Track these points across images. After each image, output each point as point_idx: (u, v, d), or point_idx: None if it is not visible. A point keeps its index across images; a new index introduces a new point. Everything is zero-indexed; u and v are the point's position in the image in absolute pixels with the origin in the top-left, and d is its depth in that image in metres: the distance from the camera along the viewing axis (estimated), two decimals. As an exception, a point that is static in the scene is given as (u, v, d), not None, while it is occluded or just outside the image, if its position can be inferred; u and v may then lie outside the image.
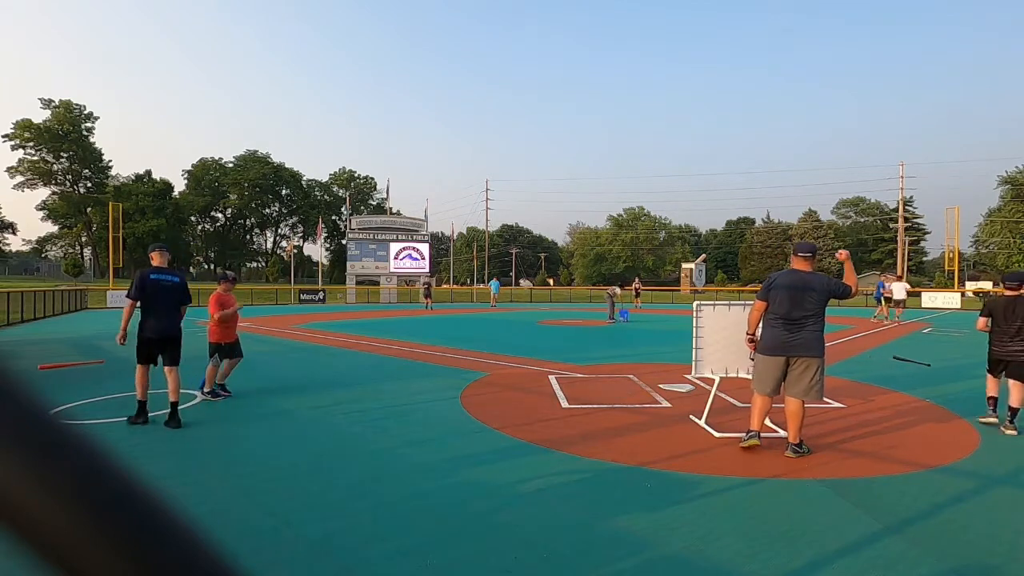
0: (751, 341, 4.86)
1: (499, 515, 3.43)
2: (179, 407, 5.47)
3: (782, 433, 5.07)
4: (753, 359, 4.96)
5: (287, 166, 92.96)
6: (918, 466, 4.32)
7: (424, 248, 38.18)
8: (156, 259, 5.56)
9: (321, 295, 33.46)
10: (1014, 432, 5.24)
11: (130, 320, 5.46)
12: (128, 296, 5.38)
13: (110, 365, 8.95)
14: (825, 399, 6.58)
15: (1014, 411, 5.38)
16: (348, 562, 2.85)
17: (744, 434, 4.65)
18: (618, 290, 20.00)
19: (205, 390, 6.54)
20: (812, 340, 4.46)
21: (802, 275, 4.59)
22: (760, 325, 4.78)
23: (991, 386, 5.67)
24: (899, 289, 20.10)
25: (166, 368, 5.47)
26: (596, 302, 35.01)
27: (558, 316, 22.86)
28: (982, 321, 5.83)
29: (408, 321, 19.78)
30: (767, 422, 5.09)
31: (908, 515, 3.43)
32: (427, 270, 38.05)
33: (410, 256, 37.63)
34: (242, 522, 3.30)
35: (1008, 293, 5.61)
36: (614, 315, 19.28)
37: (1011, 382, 5.47)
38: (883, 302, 20.82)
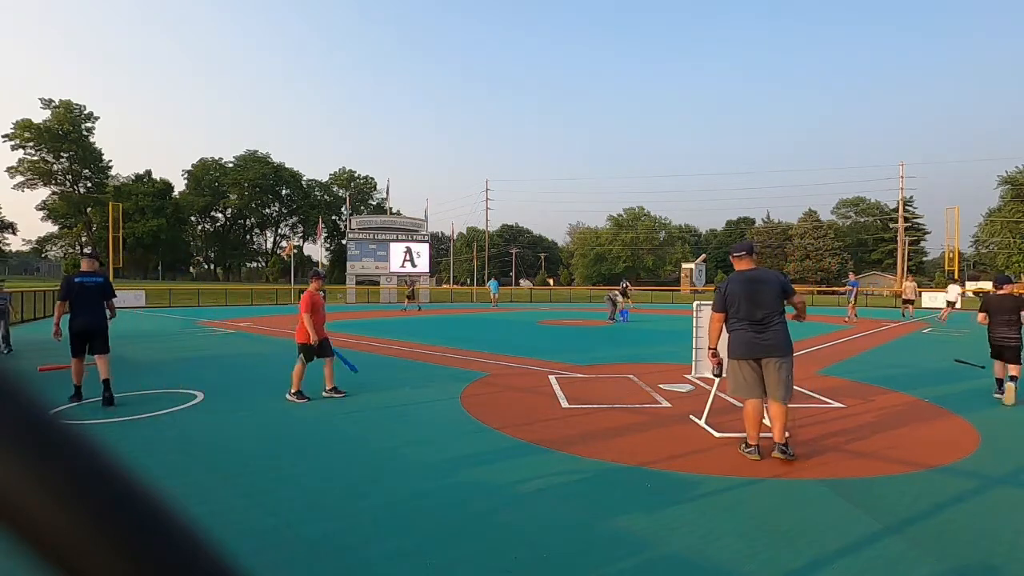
0: (714, 355, 4.78)
1: (499, 515, 3.43)
2: (113, 390, 6.21)
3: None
4: (717, 375, 4.90)
5: (287, 166, 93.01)
6: (918, 466, 4.32)
7: (424, 248, 38.15)
8: (84, 265, 6.44)
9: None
10: (1013, 385, 6.48)
11: (61, 318, 6.27)
12: (59, 299, 6.23)
13: (111, 367, 8.95)
14: (825, 399, 6.59)
15: (1013, 378, 6.56)
16: (348, 562, 2.85)
17: (742, 444, 4.60)
18: (620, 297, 19.81)
19: (292, 391, 6.50)
20: (780, 339, 4.41)
21: (750, 273, 4.58)
22: (720, 336, 4.72)
23: (997, 369, 6.77)
24: (953, 291, 19.82)
25: (97, 357, 6.23)
26: (596, 302, 35.00)
27: (558, 316, 22.85)
28: (981, 315, 6.99)
29: (408, 321, 19.78)
30: (764, 420, 5.08)
31: (908, 515, 3.43)
32: (427, 270, 38.03)
33: (410, 256, 37.59)
34: (242, 522, 3.30)
35: (999, 292, 6.96)
36: (614, 315, 19.26)
37: (1009, 365, 6.61)
38: (855, 300, 20.36)
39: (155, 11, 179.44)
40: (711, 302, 5.65)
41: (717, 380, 5.48)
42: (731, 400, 6.42)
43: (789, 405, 4.48)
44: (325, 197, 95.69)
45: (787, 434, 4.46)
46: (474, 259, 60.09)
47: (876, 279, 65.88)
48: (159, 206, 79.46)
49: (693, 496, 3.73)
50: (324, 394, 6.56)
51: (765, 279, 4.53)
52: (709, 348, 4.82)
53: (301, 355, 6.58)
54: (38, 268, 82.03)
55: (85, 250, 7.50)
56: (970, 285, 42.28)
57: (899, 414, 5.97)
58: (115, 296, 6.53)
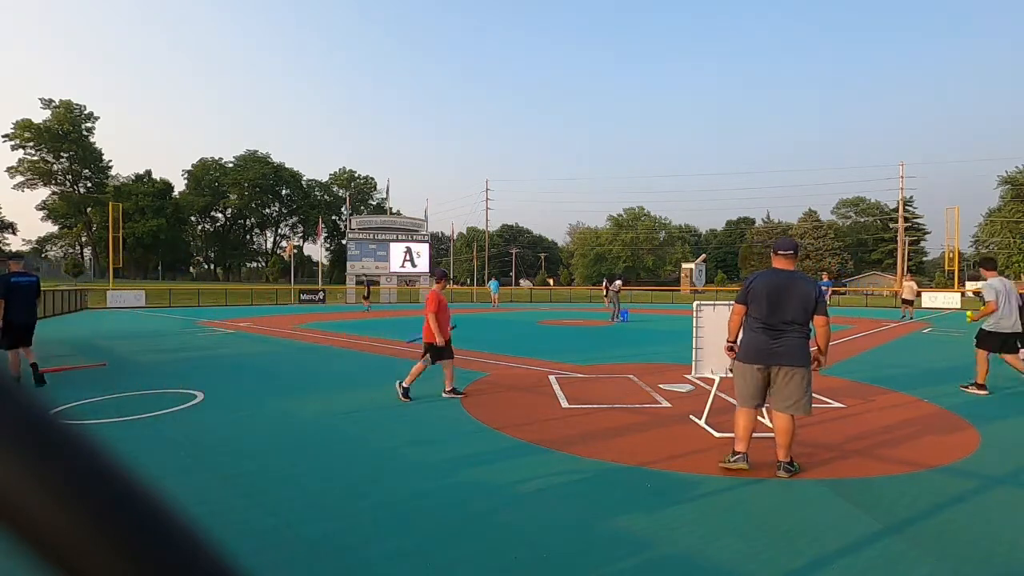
0: (731, 349, 4.48)
1: (499, 515, 3.42)
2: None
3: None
4: (732, 370, 4.62)
5: (287, 166, 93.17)
6: (918, 466, 4.32)
7: (424, 248, 38.16)
8: (14, 266, 7.03)
9: (321, 295, 33.46)
10: None
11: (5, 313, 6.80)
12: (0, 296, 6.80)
13: (111, 367, 8.96)
14: (825, 399, 6.59)
15: None
16: (348, 562, 2.85)
17: (727, 457, 4.22)
18: (619, 282, 19.68)
19: (404, 385, 6.49)
20: (796, 347, 4.06)
21: (784, 275, 4.19)
22: (739, 330, 4.38)
23: None
24: None
25: (23, 348, 6.98)
26: (596, 302, 34.97)
27: (558, 316, 22.85)
28: None
29: (408, 321, 19.78)
30: (766, 421, 5.07)
31: (908, 515, 3.43)
32: (427, 270, 38.05)
33: (410, 256, 37.59)
34: (242, 522, 3.30)
35: None
36: (616, 316, 19.22)
37: None
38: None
39: (155, 11, 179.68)
40: (713, 302, 5.65)
41: (717, 380, 5.48)
42: (731, 400, 6.41)
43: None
44: (325, 197, 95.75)
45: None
46: (474, 259, 60.10)
47: (876, 279, 65.89)
48: (159, 206, 79.53)
49: (693, 496, 3.72)
50: (444, 395, 6.54)
51: (798, 284, 4.11)
52: (728, 340, 4.51)
53: (428, 355, 6.53)
54: (38, 268, 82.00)
55: (22, 251, 9.10)
56: (970, 285, 42.25)
57: (899, 414, 5.97)
58: (39, 295, 7.23)
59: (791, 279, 4.17)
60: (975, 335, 7.41)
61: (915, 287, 19.89)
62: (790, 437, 4.09)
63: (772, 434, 4.48)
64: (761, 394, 4.18)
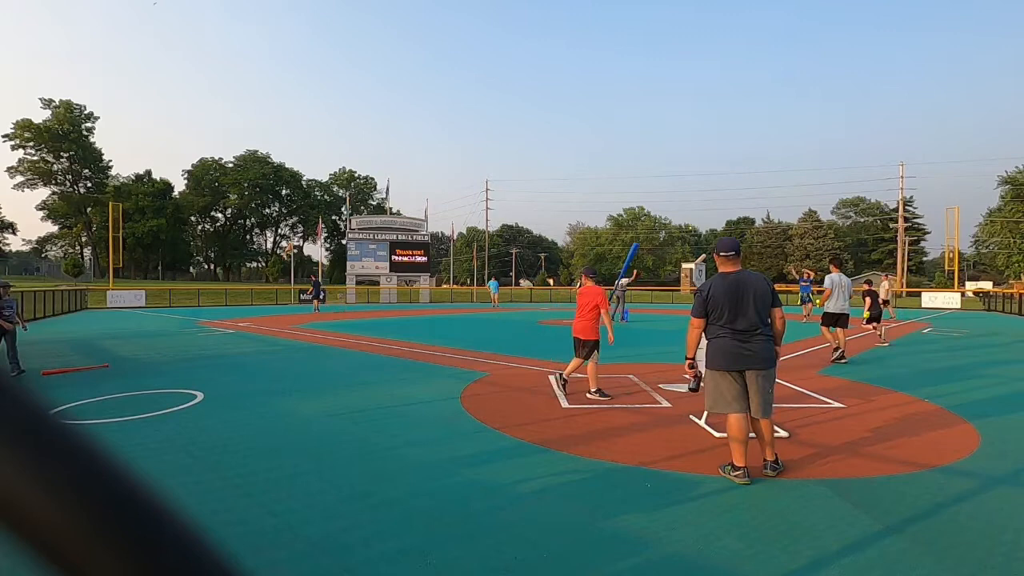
0: (692, 367, 4.39)
1: (499, 515, 3.43)
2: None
3: (783, 433, 5.07)
4: (693, 389, 4.58)
5: (287, 166, 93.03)
6: (918, 466, 4.32)
7: (424, 248, 38.19)
8: None
9: (321, 295, 33.43)
10: None
11: None
12: None
13: (112, 367, 8.96)
14: (825, 399, 6.59)
15: None
16: (348, 562, 2.85)
17: (727, 467, 4.08)
18: (625, 280, 19.70)
19: (592, 389, 6.62)
20: (766, 350, 4.08)
21: (736, 277, 4.18)
22: (698, 345, 4.33)
23: None
24: None
25: None
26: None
27: (558, 316, 22.84)
28: None
29: (408, 321, 19.78)
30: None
31: (908, 515, 3.43)
32: (427, 270, 38.07)
33: (410, 256, 37.62)
34: (242, 522, 3.30)
35: None
36: (617, 315, 19.22)
37: None
38: (811, 301, 19.58)
39: (155, 11, 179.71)
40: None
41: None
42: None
43: (775, 409, 4.21)
44: (325, 197, 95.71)
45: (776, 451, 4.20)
46: (474, 259, 60.07)
47: (875, 279, 65.89)
48: (159, 206, 79.54)
49: (693, 496, 3.72)
50: (588, 396, 6.58)
51: (753, 284, 4.14)
52: (687, 359, 4.43)
53: (595, 352, 6.66)
54: (38, 268, 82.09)
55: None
56: (970, 285, 42.29)
57: (899, 414, 5.96)
58: None
59: (745, 281, 4.15)
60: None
61: (888, 286, 19.90)
62: (771, 435, 4.14)
63: (775, 434, 4.45)
64: (744, 396, 4.09)
